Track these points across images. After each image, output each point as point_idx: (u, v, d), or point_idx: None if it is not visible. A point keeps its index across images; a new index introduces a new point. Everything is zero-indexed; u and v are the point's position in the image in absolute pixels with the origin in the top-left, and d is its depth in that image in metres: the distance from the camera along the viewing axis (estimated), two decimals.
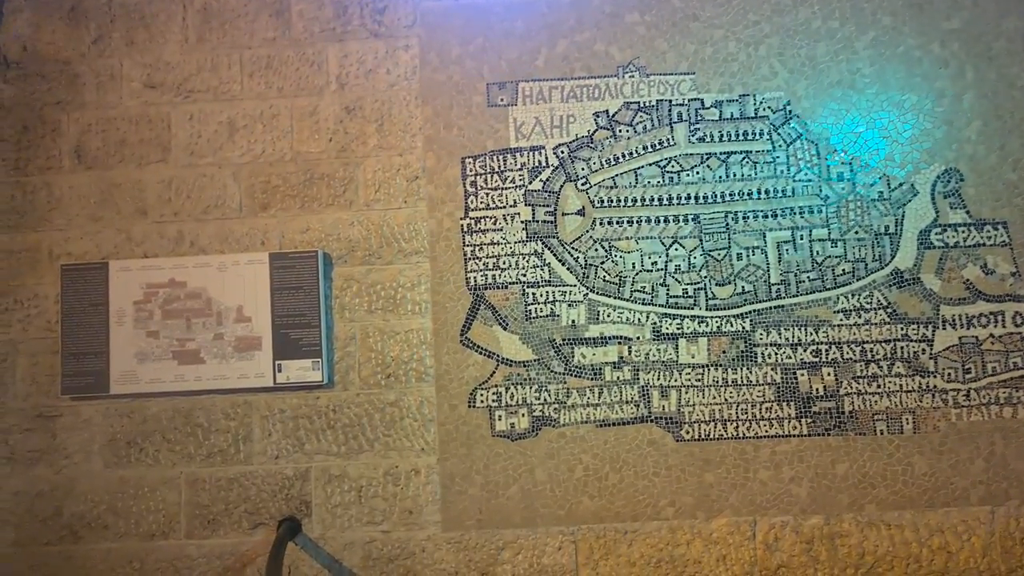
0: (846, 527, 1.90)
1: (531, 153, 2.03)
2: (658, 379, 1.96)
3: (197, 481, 1.97)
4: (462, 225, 2.02)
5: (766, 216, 1.98)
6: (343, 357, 2.00)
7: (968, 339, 1.92)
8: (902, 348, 1.93)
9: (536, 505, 1.94)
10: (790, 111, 2.01)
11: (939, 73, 1.99)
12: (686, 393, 1.95)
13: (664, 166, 2.01)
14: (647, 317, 1.97)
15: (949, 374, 1.91)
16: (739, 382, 1.95)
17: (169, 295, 1.99)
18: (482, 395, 1.97)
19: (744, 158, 2.00)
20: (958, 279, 1.94)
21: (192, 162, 2.06)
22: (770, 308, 1.96)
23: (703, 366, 1.95)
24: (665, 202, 2.00)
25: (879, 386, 1.92)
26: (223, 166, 2.07)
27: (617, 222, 2.00)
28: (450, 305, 2.00)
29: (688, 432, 1.94)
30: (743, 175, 2.00)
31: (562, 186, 2.02)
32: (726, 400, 1.94)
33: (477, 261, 2.01)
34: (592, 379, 1.96)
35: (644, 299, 1.98)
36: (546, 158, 2.03)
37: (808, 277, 1.96)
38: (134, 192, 2.05)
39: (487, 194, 2.02)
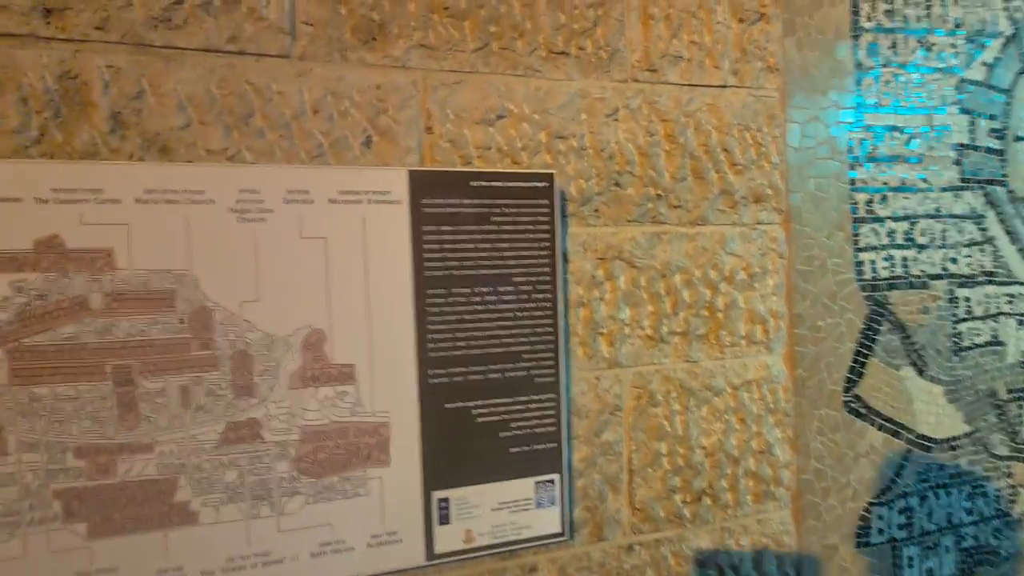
0: None
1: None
2: None
3: None
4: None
5: None
6: (591, 459, 0.76)
7: None
8: None
9: None
10: None
11: None
12: None
13: None
14: None
15: None
16: None
17: (40, 288, 0.53)
18: (879, 526, 0.89)
19: None
20: None
21: None
22: None
23: None
24: None
25: None
26: None
27: None
28: (824, 325, 0.87)
29: None
30: None
31: (1020, 74, 1.00)
32: None
33: (869, 226, 0.90)
34: None
35: None
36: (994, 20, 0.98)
37: None
38: None
39: (892, 76, 0.91)
